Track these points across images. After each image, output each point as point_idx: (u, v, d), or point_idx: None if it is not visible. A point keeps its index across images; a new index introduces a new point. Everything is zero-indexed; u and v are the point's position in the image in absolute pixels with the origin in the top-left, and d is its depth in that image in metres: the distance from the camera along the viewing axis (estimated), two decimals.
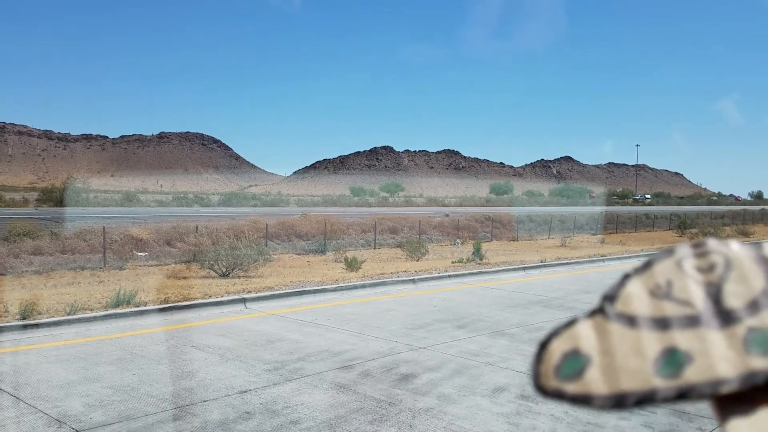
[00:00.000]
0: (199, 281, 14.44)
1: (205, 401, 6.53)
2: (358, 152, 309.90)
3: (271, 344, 8.90)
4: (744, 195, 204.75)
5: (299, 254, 22.10)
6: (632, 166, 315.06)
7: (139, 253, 19.30)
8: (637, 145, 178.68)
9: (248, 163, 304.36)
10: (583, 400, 0.49)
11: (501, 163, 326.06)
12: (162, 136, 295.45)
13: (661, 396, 0.47)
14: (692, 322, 0.49)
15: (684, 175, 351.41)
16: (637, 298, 0.52)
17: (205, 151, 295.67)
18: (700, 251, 0.54)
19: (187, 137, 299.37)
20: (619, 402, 0.48)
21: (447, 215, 41.20)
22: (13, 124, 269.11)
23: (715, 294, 0.50)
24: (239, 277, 15.20)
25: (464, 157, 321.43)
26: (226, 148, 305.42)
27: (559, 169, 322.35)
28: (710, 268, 0.52)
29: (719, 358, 0.47)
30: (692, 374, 0.47)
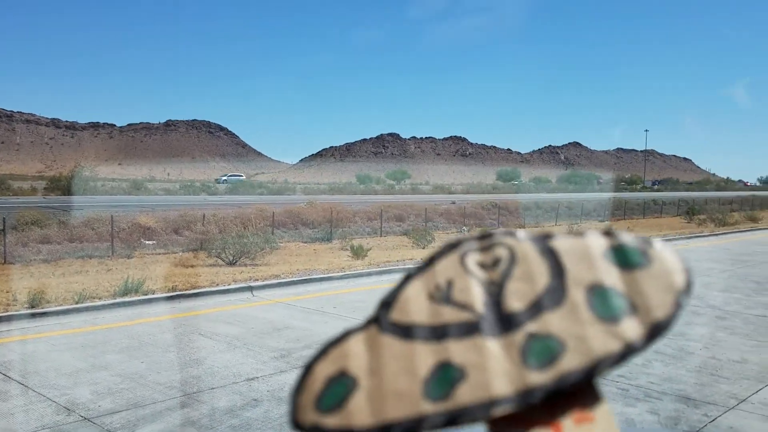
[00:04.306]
0: (207, 269, 14.50)
1: (212, 388, 6.57)
2: (365, 139, 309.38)
3: (278, 332, 8.94)
4: (753, 180, 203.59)
5: (305, 242, 22.14)
6: (641, 151, 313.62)
7: (147, 242, 19.37)
8: (646, 131, 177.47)
9: (255, 150, 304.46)
10: None
11: (508, 149, 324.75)
12: (169, 124, 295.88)
13: (430, 423, 0.42)
14: (470, 329, 0.44)
15: (693, 161, 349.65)
16: (414, 302, 0.47)
17: (212, 138, 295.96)
18: (486, 244, 0.49)
19: (194, 125, 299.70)
20: None
21: (453, 202, 41.15)
22: (20, 112, 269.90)
23: (496, 295, 0.46)
24: (246, 265, 15.25)
25: (471, 143, 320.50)
26: (233, 135, 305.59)
27: (567, 155, 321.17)
28: (494, 264, 0.47)
29: (495, 372, 0.42)
30: (464, 394, 0.42)
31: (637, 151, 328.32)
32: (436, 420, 0.41)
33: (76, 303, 10.12)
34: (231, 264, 15.33)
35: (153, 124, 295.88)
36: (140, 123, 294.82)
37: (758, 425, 5.70)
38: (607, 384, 6.57)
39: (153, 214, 24.10)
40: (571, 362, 0.41)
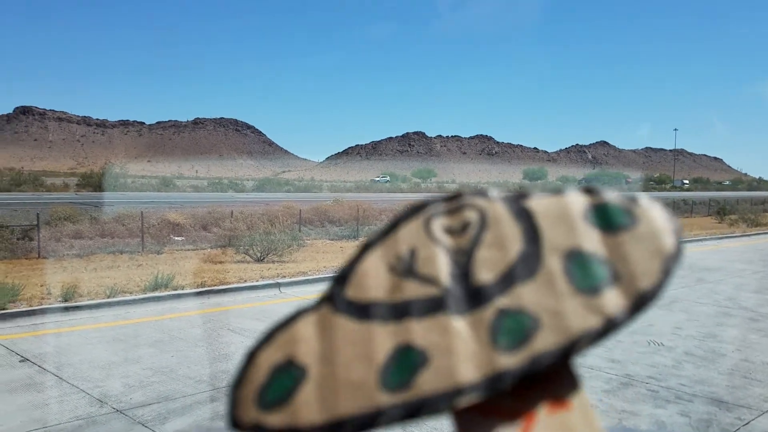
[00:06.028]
0: (235, 266, 14.63)
1: None
2: (391, 138, 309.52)
3: None
4: None
5: (332, 240, 22.22)
6: (670, 150, 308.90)
7: (176, 238, 19.61)
8: (676, 130, 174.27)
9: (281, 148, 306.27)
10: None
11: (535, 148, 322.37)
12: (197, 122, 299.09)
13: (387, 417, 0.37)
14: (434, 306, 0.39)
15: (724, 160, 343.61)
16: (373, 276, 0.41)
17: (239, 136, 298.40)
18: (454, 205, 0.42)
19: (221, 123, 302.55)
20: None
21: None
22: (53, 110, 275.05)
23: (464, 265, 0.40)
24: (274, 261, 15.36)
25: (497, 142, 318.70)
26: (260, 133, 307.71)
27: (594, 154, 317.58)
28: (463, 228, 0.41)
29: (461, 356, 0.37)
30: (426, 382, 0.37)
31: (666, 150, 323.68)
32: (394, 413, 0.36)
33: (108, 297, 10.29)
34: (259, 261, 15.46)
35: (181, 122, 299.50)
36: (169, 121, 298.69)
37: None
38: (636, 385, 6.51)
39: (182, 210, 24.40)
40: (545, 341, 0.36)
